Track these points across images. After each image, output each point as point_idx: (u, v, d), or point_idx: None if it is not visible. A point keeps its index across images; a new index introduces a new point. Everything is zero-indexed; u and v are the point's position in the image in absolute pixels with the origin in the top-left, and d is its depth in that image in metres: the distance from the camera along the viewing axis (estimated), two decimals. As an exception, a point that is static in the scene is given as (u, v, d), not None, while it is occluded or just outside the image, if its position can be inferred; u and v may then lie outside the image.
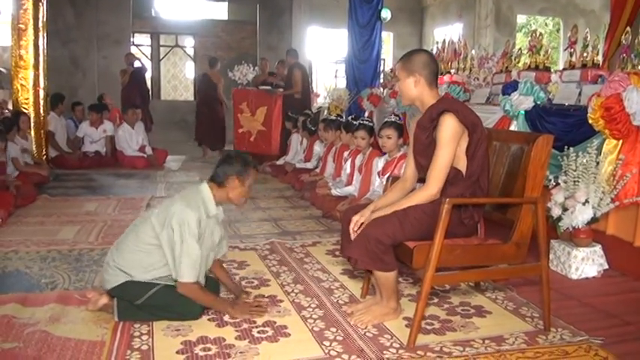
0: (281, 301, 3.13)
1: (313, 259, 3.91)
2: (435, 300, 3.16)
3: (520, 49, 6.05)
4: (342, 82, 13.21)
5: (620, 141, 3.71)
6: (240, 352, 2.49)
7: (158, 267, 2.82)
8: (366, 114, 8.30)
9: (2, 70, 10.66)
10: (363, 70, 10.42)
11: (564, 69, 5.18)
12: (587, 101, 3.95)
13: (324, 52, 15.77)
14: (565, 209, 3.69)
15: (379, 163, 4.88)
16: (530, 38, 5.68)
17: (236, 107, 9.22)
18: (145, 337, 2.63)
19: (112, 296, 2.87)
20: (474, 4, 12.42)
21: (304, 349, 2.55)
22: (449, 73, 7.27)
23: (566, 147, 3.85)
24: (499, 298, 3.22)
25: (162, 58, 16.71)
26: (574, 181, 3.67)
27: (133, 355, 2.45)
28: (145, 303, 2.78)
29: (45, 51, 7.96)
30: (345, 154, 5.87)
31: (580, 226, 3.63)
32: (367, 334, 2.71)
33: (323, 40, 15.64)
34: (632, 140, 3.64)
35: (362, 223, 2.73)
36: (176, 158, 9.34)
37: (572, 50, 5.08)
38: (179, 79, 17.69)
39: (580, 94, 4.48)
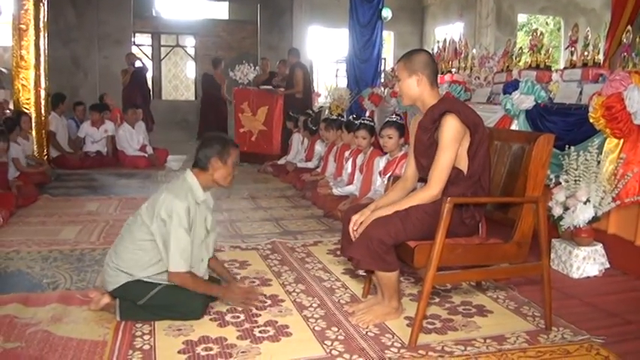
0: (282, 300, 3.13)
1: (315, 259, 3.91)
2: (437, 299, 3.16)
3: (521, 48, 6.05)
4: (343, 82, 13.20)
5: (621, 140, 3.71)
6: (242, 352, 2.50)
7: (155, 262, 2.84)
8: (367, 113, 8.30)
9: (3, 70, 10.66)
10: (364, 69, 10.42)
11: (565, 68, 5.18)
12: (588, 100, 3.95)
13: (324, 52, 15.76)
14: (566, 208, 3.69)
15: (380, 162, 4.88)
16: (531, 37, 5.68)
17: (237, 107, 9.22)
18: (146, 337, 2.64)
19: (114, 296, 2.88)
20: (475, 3, 12.40)
21: (306, 349, 2.55)
22: (450, 72, 7.28)
23: (567, 146, 3.86)
24: (500, 297, 3.22)
25: (164, 57, 16.71)
26: (575, 180, 3.67)
27: (135, 355, 2.46)
28: (147, 303, 2.79)
29: (46, 51, 7.96)
30: (346, 153, 5.87)
31: (581, 225, 3.63)
32: (369, 333, 2.71)
33: (324, 39, 15.62)
34: (633, 139, 3.64)
35: (361, 223, 2.73)
36: (177, 158, 9.34)
37: (573, 49, 5.08)
38: (180, 78, 17.69)
39: (581, 93, 4.48)
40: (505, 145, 2.96)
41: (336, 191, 5.51)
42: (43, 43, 7.78)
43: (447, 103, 2.75)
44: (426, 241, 2.58)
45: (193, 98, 16.59)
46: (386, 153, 4.82)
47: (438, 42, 8.46)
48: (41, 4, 7.70)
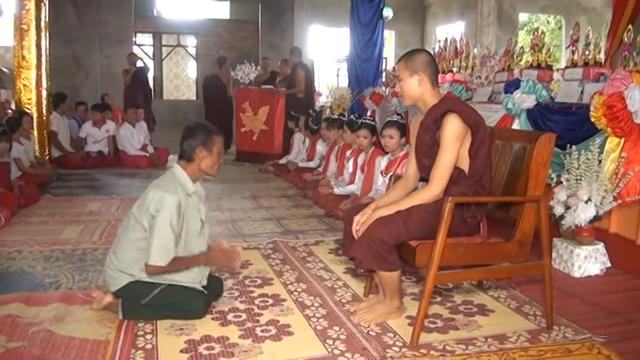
0: (284, 300, 3.14)
1: (316, 258, 3.92)
2: (438, 298, 3.16)
3: (522, 47, 6.05)
4: (344, 81, 13.22)
5: (623, 139, 3.71)
6: (244, 351, 2.50)
7: None
8: (369, 113, 8.31)
9: (5, 70, 10.69)
10: (365, 68, 10.44)
11: (566, 67, 5.18)
12: (590, 99, 3.95)
13: (326, 51, 15.77)
14: (567, 207, 3.69)
15: (382, 162, 4.88)
16: (532, 36, 5.69)
17: (238, 106, 9.22)
18: (149, 336, 2.64)
19: (117, 296, 2.88)
20: (476, 2, 12.41)
21: (307, 348, 2.55)
22: (451, 71, 7.28)
23: (568, 145, 3.86)
24: (502, 296, 3.22)
25: (165, 57, 16.76)
26: (576, 180, 3.68)
27: (137, 354, 2.46)
28: (149, 302, 2.79)
29: (47, 51, 7.96)
30: (348, 153, 5.88)
31: (582, 225, 3.63)
32: (370, 332, 2.72)
33: (325, 38, 15.65)
34: (635, 138, 3.64)
35: (363, 223, 2.73)
36: (178, 157, 9.34)
37: (574, 48, 5.08)
38: (181, 78, 17.72)
39: (582, 92, 4.48)
40: (506, 144, 2.97)
41: (337, 191, 5.52)
42: (44, 43, 7.79)
43: (448, 103, 2.76)
44: (427, 241, 2.58)
45: (194, 98, 16.63)
46: (387, 152, 4.82)
47: (439, 41, 8.46)
48: (42, 4, 7.71)
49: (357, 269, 3.57)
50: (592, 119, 3.83)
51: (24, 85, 7.60)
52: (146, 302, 2.79)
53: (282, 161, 7.95)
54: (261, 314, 2.92)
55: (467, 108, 2.73)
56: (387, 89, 8.31)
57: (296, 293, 3.24)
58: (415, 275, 3.52)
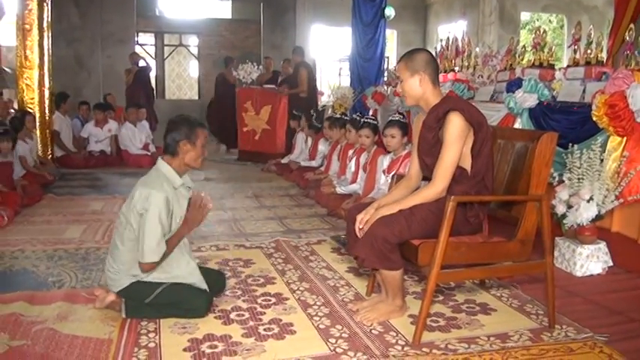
0: (287, 298, 3.15)
1: (318, 257, 3.92)
2: (440, 297, 3.17)
3: (524, 46, 6.06)
4: (346, 80, 13.23)
5: (624, 138, 3.71)
6: (247, 350, 2.51)
7: None
8: (371, 112, 8.31)
9: (8, 70, 10.68)
10: (367, 68, 10.43)
11: (568, 66, 5.18)
12: (591, 98, 3.95)
13: (328, 50, 15.77)
14: (569, 206, 3.69)
15: (384, 161, 4.89)
16: (534, 35, 5.69)
17: (240, 106, 9.23)
18: (152, 335, 2.65)
19: (120, 295, 2.89)
20: (478, 1, 12.40)
21: (310, 347, 2.56)
22: (453, 70, 7.28)
23: (570, 144, 3.86)
24: (504, 295, 3.23)
25: (167, 57, 16.75)
26: (578, 179, 3.68)
27: (141, 353, 2.47)
28: (152, 301, 2.80)
29: (50, 51, 7.99)
30: (350, 152, 5.88)
31: (584, 224, 3.63)
32: (373, 331, 2.72)
33: (327, 38, 15.64)
34: (636, 137, 3.65)
35: (367, 222, 2.74)
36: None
37: (576, 47, 5.09)
38: (183, 78, 17.71)
39: (584, 91, 4.48)
40: (508, 143, 2.97)
41: (339, 190, 5.52)
42: (46, 42, 7.81)
43: (451, 102, 2.76)
44: (429, 240, 2.59)
45: (197, 97, 16.64)
46: (389, 152, 4.83)
47: (441, 40, 8.45)
48: (45, 4, 7.74)
49: (359, 268, 3.58)
50: (594, 118, 3.83)
51: (26, 84, 7.62)
52: (149, 301, 2.80)
53: (285, 160, 7.96)
54: (264, 313, 2.93)
55: (469, 107, 2.74)
56: (389, 88, 8.31)
57: (298, 292, 3.24)
58: (417, 274, 3.53)
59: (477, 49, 7.29)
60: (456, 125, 2.64)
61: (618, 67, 4.35)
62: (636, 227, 3.67)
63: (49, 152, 7.94)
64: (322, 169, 6.77)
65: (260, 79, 9.67)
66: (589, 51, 4.89)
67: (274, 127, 8.99)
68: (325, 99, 10.83)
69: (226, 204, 5.69)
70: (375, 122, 5.40)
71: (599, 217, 3.64)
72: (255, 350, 2.51)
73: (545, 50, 5.44)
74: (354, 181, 5.51)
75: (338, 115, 7.07)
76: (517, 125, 4.73)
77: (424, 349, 2.53)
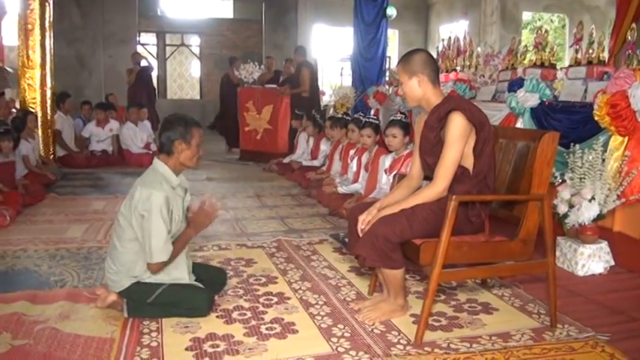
0: (288, 298, 3.15)
1: (320, 257, 3.92)
2: (442, 297, 3.17)
3: (526, 46, 6.05)
4: (347, 80, 13.23)
5: (626, 138, 3.71)
6: (249, 349, 2.51)
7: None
8: (372, 112, 8.30)
9: (9, 69, 10.70)
10: (368, 67, 10.43)
11: (570, 66, 5.18)
12: (593, 98, 3.95)
13: (329, 50, 15.78)
14: (571, 206, 3.69)
15: (386, 160, 4.89)
16: (535, 35, 5.69)
17: (242, 106, 9.24)
18: (154, 334, 2.65)
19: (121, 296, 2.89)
20: (480, 1, 12.40)
21: (312, 346, 2.56)
22: (454, 70, 7.28)
23: (572, 144, 3.85)
24: (506, 294, 3.23)
25: (169, 57, 16.78)
26: (580, 178, 3.68)
27: (143, 352, 2.48)
28: (154, 301, 2.81)
29: (51, 50, 8.01)
30: (352, 152, 5.88)
31: (586, 223, 3.63)
32: (374, 330, 2.72)
33: (328, 37, 15.65)
34: (638, 137, 3.65)
35: (369, 222, 2.74)
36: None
37: (577, 47, 5.09)
38: (185, 77, 17.74)
39: (586, 90, 4.48)
40: (510, 143, 2.97)
41: (341, 189, 5.52)
42: (48, 42, 7.83)
43: (452, 102, 2.76)
44: (431, 239, 2.59)
45: (198, 97, 16.67)
46: (391, 151, 4.83)
47: (443, 40, 8.44)
48: (47, 4, 7.75)
49: (361, 267, 3.58)
50: (595, 118, 3.83)
51: (28, 84, 7.63)
52: (150, 301, 2.81)
53: (286, 160, 7.96)
54: (266, 312, 2.93)
55: (471, 106, 2.74)
56: (391, 88, 8.31)
57: (300, 291, 3.25)
58: (419, 273, 3.53)
59: (479, 49, 7.28)
60: (457, 125, 2.64)
61: (620, 67, 4.35)
62: (638, 227, 3.66)
63: (51, 152, 7.95)
64: (324, 168, 6.77)
65: (262, 79, 9.67)
66: (591, 51, 4.88)
67: (276, 127, 8.99)
68: (327, 99, 10.84)
69: (228, 204, 5.69)
70: (377, 122, 5.40)
71: (600, 216, 3.64)
72: (257, 349, 2.51)
73: (547, 50, 5.43)
74: (355, 180, 5.52)
75: (340, 115, 7.07)
76: (519, 125, 4.73)
77: (426, 349, 2.54)
